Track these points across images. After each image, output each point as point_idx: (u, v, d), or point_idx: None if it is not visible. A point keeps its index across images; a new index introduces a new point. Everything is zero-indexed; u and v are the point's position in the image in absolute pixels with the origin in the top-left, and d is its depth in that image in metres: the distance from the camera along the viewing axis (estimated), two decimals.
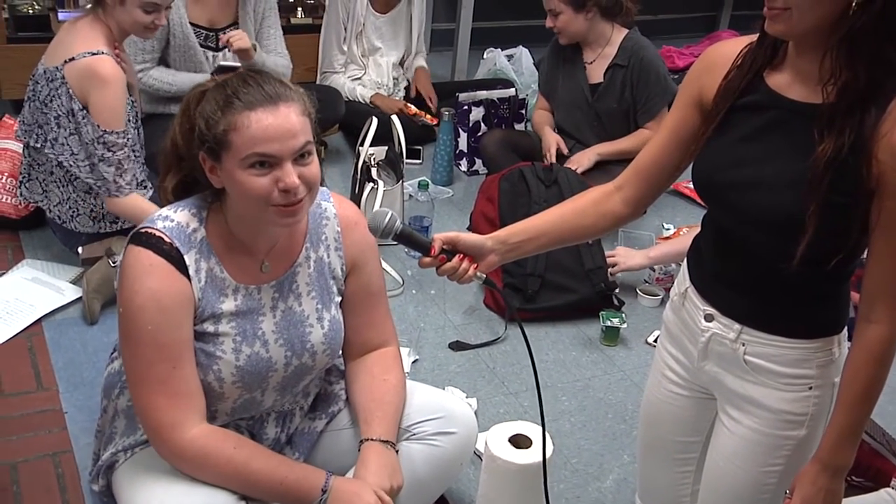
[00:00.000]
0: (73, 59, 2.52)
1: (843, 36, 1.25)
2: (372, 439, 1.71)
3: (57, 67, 2.54)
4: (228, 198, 1.60)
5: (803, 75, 1.34)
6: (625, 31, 3.35)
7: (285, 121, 1.51)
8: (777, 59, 1.37)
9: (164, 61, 3.23)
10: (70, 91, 2.53)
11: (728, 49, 1.44)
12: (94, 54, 2.51)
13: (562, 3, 3.26)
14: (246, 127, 1.49)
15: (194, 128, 1.56)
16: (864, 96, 1.27)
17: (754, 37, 1.40)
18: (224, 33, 3.22)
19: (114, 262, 2.63)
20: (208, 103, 1.54)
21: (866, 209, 1.31)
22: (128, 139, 2.57)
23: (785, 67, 1.37)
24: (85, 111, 2.53)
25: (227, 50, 3.21)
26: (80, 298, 2.69)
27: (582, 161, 3.33)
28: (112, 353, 1.89)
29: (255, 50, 3.21)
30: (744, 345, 1.47)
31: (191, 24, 3.19)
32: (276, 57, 3.43)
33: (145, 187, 2.67)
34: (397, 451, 1.75)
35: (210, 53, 3.29)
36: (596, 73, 3.39)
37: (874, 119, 1.27)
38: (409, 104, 3.90)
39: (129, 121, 2.59)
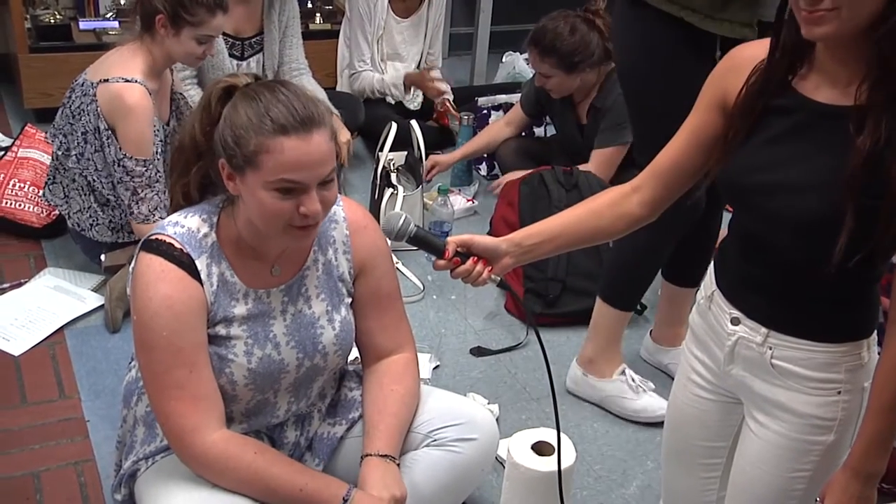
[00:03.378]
0: (107, 80, 2.54)
1: (880, 35, 1.22)
2: (371, 454, 1.71)
3: (93, 83, 2.56)
4: (242, 205, 1.60)
5: (833, 78, 1.31)
6: (609, 68, 3.24)
7: (317, 150, 1.52)
8: (801, 68, 1.35)
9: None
10: (98, 110, 2.55)
11: (753, 51, 1.41)
12: (127, 81, 2.52)
13: (553, 69, 3.19)
14: (279, 152, 1.50)
15: (215, 128, 1.56)
16: (892, 93, 1.24)
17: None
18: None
19: None
20: (237, 114, 1.53)
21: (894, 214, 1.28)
22: (149, 169, 2.57)
23: (811, 72, 1.35)
24: (110, 132, 2.55)
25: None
26: (102, 307, 2.70)
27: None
28: (130, 363, 1.89)
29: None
30: (771, 348, 1.45)
31: None
32: (307, 79, 3.47)
33: (162, 217, 2.65)
34: (398, 465, 1.74)
35: (235, 62, 3.31)
36: (582, 113, 3.37)
37: None
38: (446, 98, 3.85)
39: (156, 152, 2.59)
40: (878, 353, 1.43)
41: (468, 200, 3.37)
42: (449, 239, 1.52)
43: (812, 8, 1.23)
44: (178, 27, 2.53)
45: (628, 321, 2.52)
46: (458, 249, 1.52)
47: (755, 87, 1.38)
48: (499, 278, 1.54)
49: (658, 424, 2.41)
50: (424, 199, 3.37)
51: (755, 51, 1.41)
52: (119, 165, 2.56)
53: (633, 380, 2.50)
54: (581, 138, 3.37)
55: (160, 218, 2.59)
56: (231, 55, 3.29)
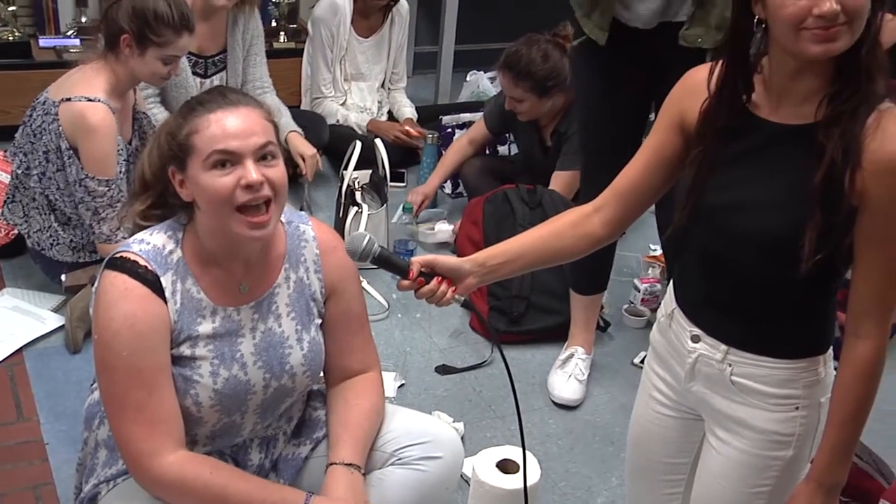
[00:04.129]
0: (69, 99, 2.52)
1: (850, 48, 1.27)
2: (336, 463, 1.70)
3: (54, 102, 2.54)
4: (200, 212, 1.60)
5: (787, 97, 1.35)
6: (573, 94, 3.24)
7: (245, 119, 1.54)
8: (754, 85, 1.38)
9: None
10: (60, 129, 2.52)
11: (706, 74, 1.44)
12: (90, 100, 2.50)
13: (526, 93, 3.22)
14: (206, 127, 1.53)
15: (162, 152, 1.59)
16: (852, 111, 1.28)
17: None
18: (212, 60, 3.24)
19: None
20: (174, 118, 1.59)
21: (850, 225, 1.31)
22: (111, 188, 2.55)
23: (764, 92, 1.38)
24: (72, 151, 2.53)
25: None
26: (62, 327, 2.67)
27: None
28: (92, 384, 1.87)
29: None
30: (730, 365, 1.47)
31: None
32: (271, 98, 3.48)
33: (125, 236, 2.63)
34: (364, 475, 1.73)
35: (199, 80, 3.30)
36: (547, 136, 3.41)
37: (859, 133, 1.28)
38: (408, 127, 3.89)
39: (119, 171, 2.57)
40: (835, 369, 1.46)
41: (453, 229, 3.38)
42: (413, 259, 1.53)
43: (830, 24, 1.24)
44: (144, 47, 2.51)
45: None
46: (422, 269, 1.53)
47: (710, 111, 1.41)
48: (462, 298, 1.55)
49: (622, 440, 2.43)
50: (418, 229, 3.38)
51: (707, 74, 1.44)
52: (81, 185, 2.54)
53: (577, 363, 2.66)
54: (544, 160, 3.39)
55: (123, 238, 2.56)
56: (194, 73, 3.28)
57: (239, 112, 1.54)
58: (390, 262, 1.54)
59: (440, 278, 1.53)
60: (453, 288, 1.54)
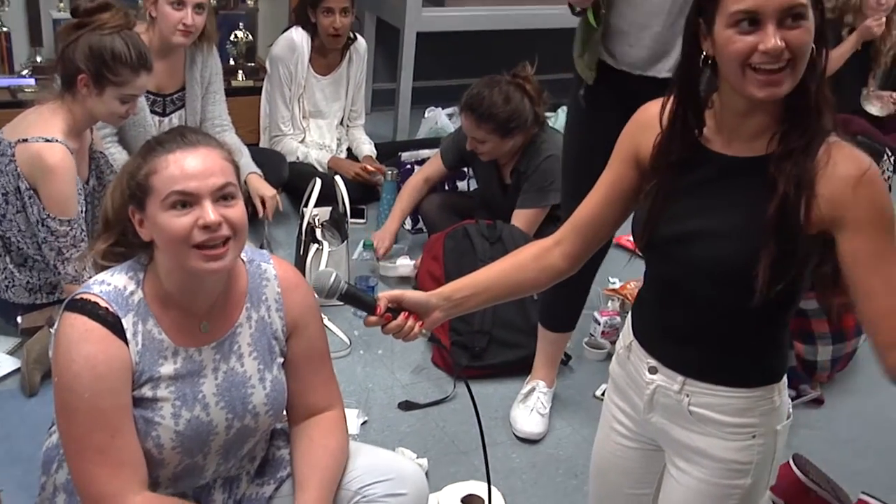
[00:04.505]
0: (26, 140, 2.50)
1: (799, 82, 1.31)
2: None
3: (11, 143, 2.52)
4: (159, 252, 1.60)
5: (738, 132, 1.39)
6: (533, 131, 3.32)
7: (204, 160, 1.55)
8: (704, 125, 1.42)
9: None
10: (18, 170, 2.50)
11: (658, 109, 1.48)
12: (47, 140, 2.48)
13: (488, 134, 3.25)
14: (165, 168, 1.53)
15: (123, 191, 1.60)
16: (803, 144, 1.32)
17: None
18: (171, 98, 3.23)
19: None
20: (134, 159, 1.59)
21: (808, 255, 1.35)
22: (73, 228, 2.53)
23: (715, 127, 1.42)
24: (32, 192, 2.50)
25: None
26: (17, 370, 2.62)
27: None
28: (50, 428, 1.84)
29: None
30: (688, 396, 1.50)
31: None
32: (230, 136, 3.49)
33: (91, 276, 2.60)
34: None
35: (157, 118, 3.30)
36: (506, 174, 3.44)
37: (811, 163, 1.32)
38: (367, 164, 3.91)
39: (80, 211, 2.55)
40: (791, 399, 1.49)
41: (414, 264, 3.39)
42: (380, 295, 1.54)
43: (771, 66, 1.29)
44: (102, 87, 2.51)
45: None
46: (389, 305, 1.54)
47: (662, 145, 1.44)
48: (429, 333, 1.57)
49: (585, 473, 2.44)
50: (379, 265, 3.39)
51: (659, 109, 1.48)
52: (43, 226, 2.51)
53: (539, 397, 2.68)
54: (504, 197, 3.43)
55: (90, 277, 2.54)
56: (153, 111, 3.28)
57: (198, 152, 1.55)
58: (357, 298, 1.55)
59: (407, 313, 1.55)
60: (420, 322, 1.56)
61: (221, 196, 1.55)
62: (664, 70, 2.20)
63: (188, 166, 1.53)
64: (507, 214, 3.33)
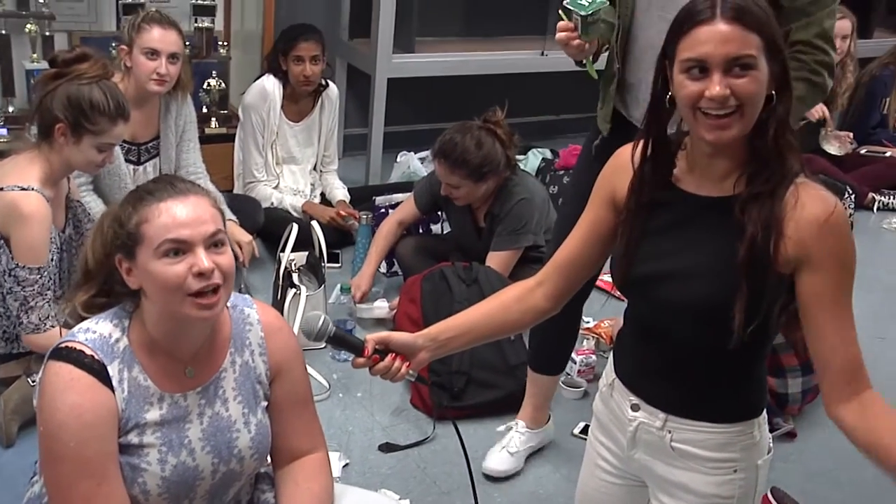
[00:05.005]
0: (1, 189, 2.49)
1: (753, 130, 1.36)
2: None
3: None
4: (146, 300, 1.61)
5: (709, 173, 1.43)
6: (506, 174, 3.38)
7: (195, 208, 1.56)
8: (675, 167, 1.47)
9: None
10: None
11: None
12: (23, 189, 2.48)
13: (462, 180, 3.30)
14: (157, 217, 1.54)
15: (105, 241, 1.60)
16: (770, 186, 1.37)
17: None
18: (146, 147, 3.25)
19: (33, 382, 2.55)
20: (121, 207, 1.60)
21: (778, 293, 1.39)
22: (42, 276, 2.52)
23: (687, 168, 1.47)
24: (2, 241, 2.49)
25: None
26: None
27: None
28: (32, 478, 1.83)
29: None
30: (670, 432, 1.53)
31: None
32: (205, 183, 3.48)
33: (53, 325, 2.57)
34: None
35: (132, 167, 3.32)
36: (480, 216, 3.49)
37: (779, 204, 1.37)
38: (340, 210, 3.94)
39: (51, 259, 2.55)
40: (771, 432, 1.52)
41: (390, 306, 3.41)
42: (368, 337, 1.57)
43: (719, 111, 1.34)
44: (79, 136, 2.52)
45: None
46: (377, 347, 1.57)
47: (634, 185, 1.49)
48: (416, 373, 1.59)
49: None
50: (356, 308, 3.41)
51: (632, 150, 1.53)
52: (10, 275, 2.50)
53: (514, 437, 2.71)
54: (478, 240, 3.47)
55: (51, 327, 2.53)
56: (127, 160, 3.29)
57: (188, 201, 1.57)
58: (345, 341, 1.58)
59: (394, 355, 1.57)
60: (407, 363, 1.58)
61: (213, 243, 1.57)
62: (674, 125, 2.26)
63: (180, 214, 1.55)
64: (481, 257, 3.37)
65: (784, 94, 1.38)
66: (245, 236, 3.45)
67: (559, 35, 2.11)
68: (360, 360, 1.57)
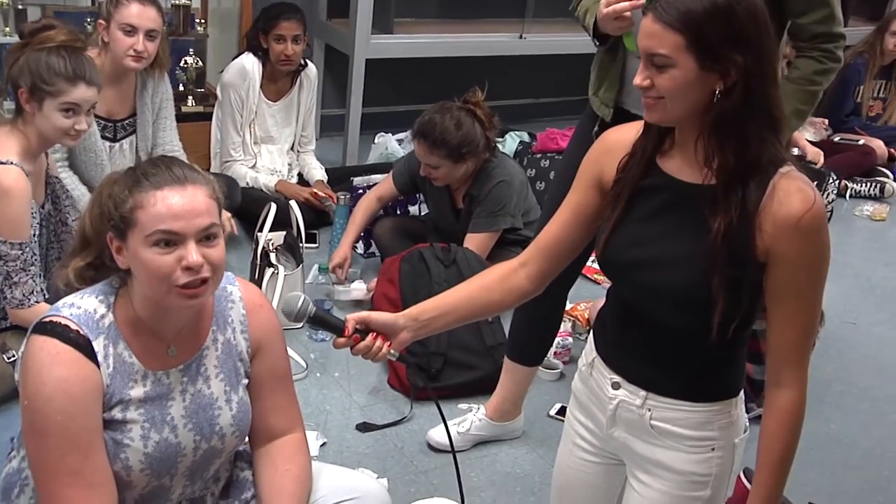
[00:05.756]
0: None
1: (710, 121, 1.38)
2: None
3: None
4: (134, 280, 1.60)
5: (689, 158, 1.45)
6: (484, 156, 3.39)
7: (191, 200, 1.55)
8: (665, 146, 1.49)
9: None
10: None
11: (622, 134, 1.54)
12: (2, 163, 2.45)
13: (441, 160, 3.30)
14: (152, 205, 1.52)
15: (103, 212, 1.58)
16: (740, 175, 1.38)
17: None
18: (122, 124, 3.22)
19: (8, 358, 2.54)
20: (118, 184, 1.58)
21: (758, 280, 1.41)
22: (25, 251, 2.50)
23: (674, 152, 1.48)
24: None
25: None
26: None
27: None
28: (10, 453, 1.82)
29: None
30: (650, 410, 1.55)
31: None
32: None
33: (38, 300, 2.56)
34: None
35: (108, 144, 3.28)
36: (458, 198, 3.50)
37: (756, 194, 1.38)
38: (317, 190, 3.93)
39: (32, 234, 2.53)
40: (747, 412, 1.55)
41: (368, 287, 3.41)
42: (348, 317, 1.57)
43: (645, 95, 1.40)
44: (40, 99, 2.48)
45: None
46: (357, 326, 1.57)
47: (625, 169, 1.50)
48: (397, 353, 1.60)
49: (542, 490, 2.49)
50: (334, 288, 3.40)
51: (623, 134, 1.55)
52: None
53: (469, 418, 2.72)
54: (456, 221, 3.48)
55: (36, 302, 2.51)
56: (103, 137, 3.26)
57: (185, 191, 1.54)
58: (325, 321, 1.58)
59: (375, 334, 1.58)
60: (388, 343, 1.59)
61: (205, 236, 1.56)
62: None
63: (175, 205, 1.53)
64: (459, 238, 3.38)
65: (738, 89, 1.35)
66: (224, 213, 3.43)
67: (622, 4, 2.02)
68: (341, 340, 1.58)
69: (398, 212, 3.90)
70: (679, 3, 1.34)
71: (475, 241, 3.33)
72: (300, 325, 1.58)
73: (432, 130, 3.27)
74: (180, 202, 1.53)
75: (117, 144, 3.32)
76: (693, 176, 1.44)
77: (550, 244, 1.63)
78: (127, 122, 3.34)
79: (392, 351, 1.59)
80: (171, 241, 1.53)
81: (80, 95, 2.53)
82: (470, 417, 2.72)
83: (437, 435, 2.67)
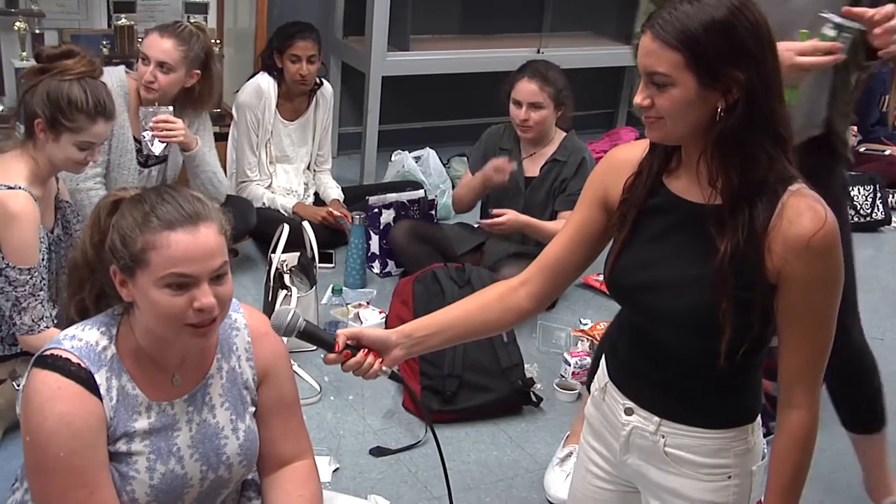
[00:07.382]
0: None
1: (713, 139, 1.34)
2: None
3: None
4: (138, 311, 1.58)
5: (696, 177, 1.41)
6: (563, 133, 3.55)
7: (204, 242, 1.52)
8: (672, 164, 1.44)
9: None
10: None
11: (628, 153, 1.51)
12: (10, 188, 2.45)
13: (547, 99, 3.42)
14: (165, 247, 1.50)
15: (105, 240, 1.55)
16: (746, 195, 1.34)
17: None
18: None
19: (18, 385, 2.52)
20: (124, 218, 1.54)
21: (768, 301, 1.36)
22: (33, 277, 2.49)
23: (681, 171, 1.44)
24: None
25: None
26: None
27: (510, 218, 3.37)
28: (13, 484, 1.80)
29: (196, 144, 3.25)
30: (664, 437, 1.50)
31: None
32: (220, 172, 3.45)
33: (48, 326, 2.54)
34: None
35: (138, 168, 3.28)
36: (532, 167, 3.53)
37: (765, 214, 1.33)
38: (332, 210, 3.92)
39: (41, 260, 2.52)
40: (764, 436, 1.50)
41: (380, 312, 3.37)
42: (339, 332, 1.55)
43: (645, 114, 1.37)
44: (58, 133, 2.48)
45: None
46: (348, 342, 1.54)
47: (631, 188, 1.46)
48: (390, 370, 1.56)
49: None
50: (337, 316, 3.37)
51: (630, 153, 1.51)
52: (1, 275, 2.47)
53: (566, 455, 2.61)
54: (525, 191, 3.52)
55: (46, 328, 2.50)
56: (136, 160, 3.26)
57: (199, 232, 1.52)
58: (315, 335, 1.55)
59: (367, 350, 1.54)
60: (380, 360, 1.55)
61: (216, 276, 1.54)
62: (815, 128, 2.17)
63: (189, 249, 1.51)
64: (517, 207, 3.41)
65: (741, 106, 1.31)
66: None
67: (826, 58, 1.85)
68: (332, 355, 1.55)
69: (419, 216, 3.92)
70: (677, 20, 1.30)
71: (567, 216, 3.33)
72: (312, 347, 1.54)
73: (545, 70, 3.45)
74: (194, 244, 1.51)
75: (146, 170, 3.31)
76: (699, 196, 1.40)
77: (552, 263, 1.59)
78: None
79: (384, 368, 1.56)
80: (183, 283, 1.51)
81: (98, 132, 2.53)
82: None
83: (560, 492, 2.49)
